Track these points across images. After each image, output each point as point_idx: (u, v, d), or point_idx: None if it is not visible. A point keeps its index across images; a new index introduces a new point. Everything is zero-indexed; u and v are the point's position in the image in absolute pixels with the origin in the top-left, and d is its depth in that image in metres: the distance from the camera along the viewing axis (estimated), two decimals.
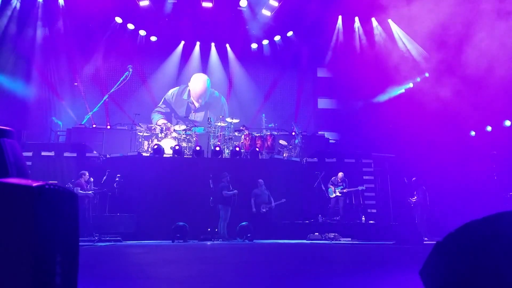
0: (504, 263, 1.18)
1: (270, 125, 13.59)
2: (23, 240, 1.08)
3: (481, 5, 10.99)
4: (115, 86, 14.29)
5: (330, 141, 15.28)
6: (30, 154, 11.11)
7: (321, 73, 17.65)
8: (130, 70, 14.23)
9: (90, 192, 9.47)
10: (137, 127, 12.87)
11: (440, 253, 1.34)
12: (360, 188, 11.48)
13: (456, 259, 1.27)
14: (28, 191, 1.12)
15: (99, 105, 14.45)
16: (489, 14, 10.86)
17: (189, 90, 16.94)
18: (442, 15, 12.20)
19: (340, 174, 11.51)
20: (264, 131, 13.26)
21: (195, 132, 13.02)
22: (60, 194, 1.22)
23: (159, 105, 16.65)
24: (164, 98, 16.73)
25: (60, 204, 1.21)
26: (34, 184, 1.14)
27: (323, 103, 17.53)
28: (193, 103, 16.85)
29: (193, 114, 16.35)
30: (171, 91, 16.89)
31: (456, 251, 1.28)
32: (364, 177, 12.36)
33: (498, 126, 12.12)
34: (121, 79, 14.29)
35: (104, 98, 14.34)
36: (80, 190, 9.29)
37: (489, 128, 12.47)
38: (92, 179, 9.88)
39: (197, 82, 16.96)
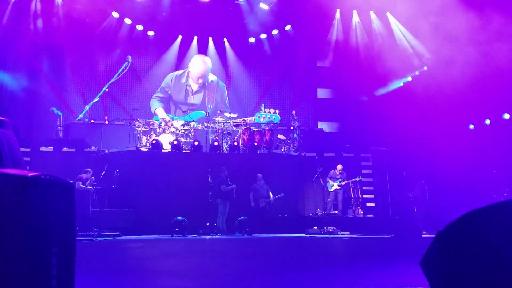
0: (506, 251, 1.17)
1: (270, 115, 13.24)
2: (19, 230, 1.06)
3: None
4: (115, 77, 14.21)
5: (331, 130, 15.32)
6: (28, 149, 11.07)
7: (320, 67, 17.59)
8: (130, 60, 14.12)
9: (91, 187, 9.47)
10: (135, 122, 12.82)
11: (441, 243, 1.33)
12: (357, 178, 11.50)
13: (458, 248, 1.26)
14: (23, 181, 1.10)
15: (98, 95, 14.34)
16: (489, 7, 10.82)
17: (188, 73, 16.67)
18: (441, 8, 12.15)
19: (339, 166, 11.52)
20: (263, 125, 13.23)
21: (192, 121, 12.87)
22: (56, 185, 1.20)
23: (157, 91, 16.41)
24: (162, 86, 16.45)
25: (56, 195, 1.19)
26: (30, 174, 1.12)
27: (322, 93, 17.47)
28: (190, 86, 16.61)
29: (192, 97, 16.21)
30: (170, 75, 16.60)
31: (457, 240, 1.27)
32: (362, 171, 12.38)
33: (497, 119, 12.13)
34: (120, 69, 14.21)
35: (104, 88, 14.23)
36: (81, 184, 9.32)
37: (488, 122, 12.47)
38: (93, 177, 9.86)
39: (199, 62, 16.50)
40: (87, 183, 9.60)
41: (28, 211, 1.09)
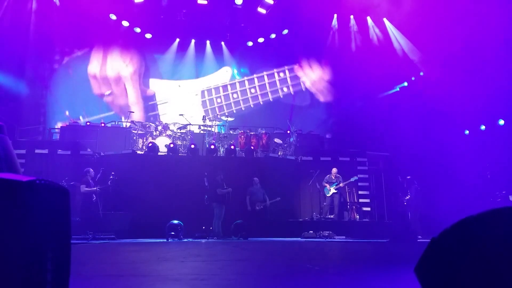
0: (500, 259, 1.18)
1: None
2: (13, 236, 1.06)
3: (476, 5, 11.05)
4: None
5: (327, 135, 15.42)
6: (23, 151, 11.00)
7: (316, 70, 17.68)
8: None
9: (95, 188, 9.40)
10: (132, 125, 12.78)
11: (435, 250, 1.33)
12: (353, 179, 11.50)
13: (452, 255, 1.27)
14: (18, 187, 1.09)
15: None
16: (484, 14, 10.93)
17: None
18: (437, 15, 12.25)
19: (334, 170, 11.54)
20: (259, 129, 13.25)
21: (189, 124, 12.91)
22: (51, 190, 1.20)
23: None
24: None
25: (52, 200, 1.19)
26: (25, 179, 1.11)
27: (318, 100, 17.55)
28: None
29: None
30: None
31: (452, 247, 1.27)
32: (358, 176, 12.41)
33: (492, 125, 12.22)
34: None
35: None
36: (86, 187, 9.26)
37: (483, 127, 12.56)
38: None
39: None
40: (92, 182, 9.53)
41: (23, 217, 1.08)
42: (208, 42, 17.15)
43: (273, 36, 17.01)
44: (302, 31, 16.60)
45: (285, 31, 16.88)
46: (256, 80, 17.11)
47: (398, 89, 15.46)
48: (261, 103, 16.95)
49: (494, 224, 1.22)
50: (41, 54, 14.94)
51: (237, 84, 17.07)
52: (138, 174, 10.78)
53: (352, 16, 16.11)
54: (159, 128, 12.47)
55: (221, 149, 12.27)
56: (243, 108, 16.64)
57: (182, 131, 12.80)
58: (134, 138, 12.41)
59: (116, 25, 15.83)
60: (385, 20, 15.43)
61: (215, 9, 15.59)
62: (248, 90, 17.02)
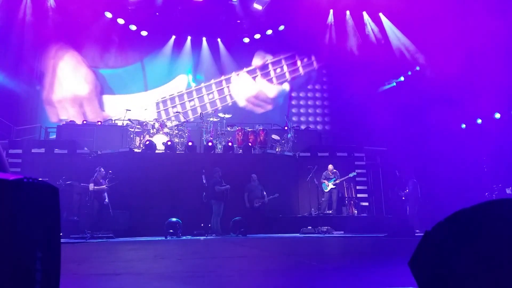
0: (493, 251, 1.17)
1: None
2: (0, 235, 1.05)
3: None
4: None
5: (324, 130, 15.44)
6: (20, 151, 10.95)
7: (313, 66, 17.66)
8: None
9: (103, 186, 9.38)
10: (129, 123, 12.73)
11: (429, 243, 1.33)
12: (351, 175, 11.50)
13: (445, 248, 1.26)
14: (5, 185, 1.08)
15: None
16: (479, 7, 10.91)
17: None
18: (432, 8, 12.22)
19: (330, 166, 11.54)
20: (257, 126, 13.22)
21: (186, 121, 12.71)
22: (39, 188, 1.18)
23: None
24: None
25: (40, 199, 1.17)
26: (11, 178, 1.10)
27: (315, 96, 17.55)
28: None
29: None
30: None
31: (445, 240, 1.27)
32: (356, 171, 12.41)
33: (488, 118, 12.24)
34: None
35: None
36: (94, 186, 9.29)
37: (479, 121, 12.58)
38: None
39: None
40: (104, 181, 9.52)
41: (10, 216, 1.07)
42: (204, 38, 17.10)
43: (269, 32, 16.96)
44: (299, 27, 16.56)
45: (282, 27, 16.83)
46: (214, 86, 16.78)
47: (395, 83, 15.46)
48: (220, 108, 16.48)
49: (487, 216, 1.21)
50: (37, 53, 14.85)
51: (194, 92, 16.60)
52: (136, 172, 10.75)
53: (348, 12, 16.08)
54: (156, 125, 12.42)
55: (219, 146, 12.25)
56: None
57: (179, 128, 12.75)
58: (131, 136, 12.36)
59: (112, 23, 15.74)
60: (381, 15, 15.40)
61: (210, 5, 15.52)
62: (206, 96, 16.58)
